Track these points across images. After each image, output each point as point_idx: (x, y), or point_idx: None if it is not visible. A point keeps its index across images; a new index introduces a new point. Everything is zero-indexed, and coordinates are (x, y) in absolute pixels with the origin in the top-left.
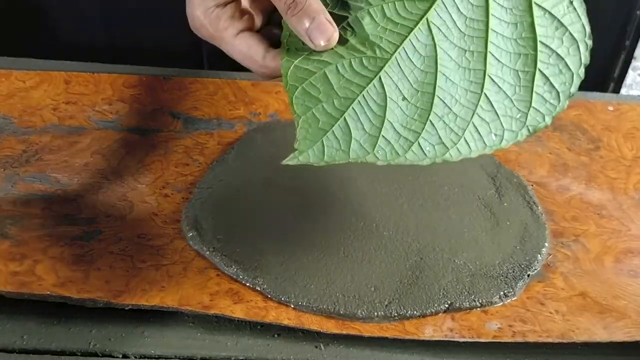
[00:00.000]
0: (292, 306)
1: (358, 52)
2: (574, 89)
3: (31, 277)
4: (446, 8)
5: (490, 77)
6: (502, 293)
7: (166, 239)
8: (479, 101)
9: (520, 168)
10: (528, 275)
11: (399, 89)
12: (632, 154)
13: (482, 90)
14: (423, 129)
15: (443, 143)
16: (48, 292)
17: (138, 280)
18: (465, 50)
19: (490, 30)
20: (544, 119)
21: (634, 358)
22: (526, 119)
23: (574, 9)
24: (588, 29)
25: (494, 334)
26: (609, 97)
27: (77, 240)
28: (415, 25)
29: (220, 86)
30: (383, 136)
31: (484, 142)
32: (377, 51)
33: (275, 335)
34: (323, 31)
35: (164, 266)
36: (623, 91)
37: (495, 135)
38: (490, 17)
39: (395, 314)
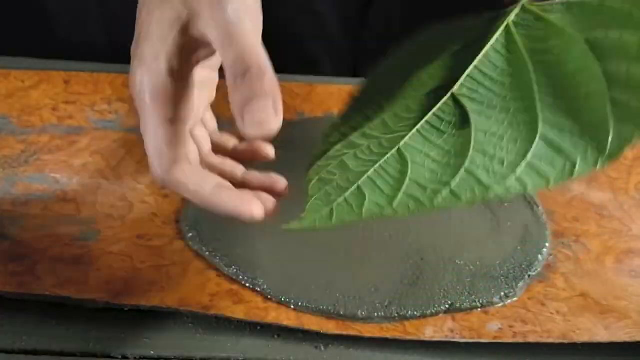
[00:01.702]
0: (292, 307)
1: (374, 138)
2: None
3: (30, 277)
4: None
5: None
6: (502, 293)
7: (166, 239)
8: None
9: None
10: (529, 276)
11: (423, 153)
12: (633, 154)
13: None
14: (455, 176)
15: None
16: (47, 293)
17: (137, 281)
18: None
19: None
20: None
21: (635, 359)
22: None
23: None
24: None
25: (494, 334)
26: None
27: (77, 240)
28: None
29: (220, 85)
30: (405, 193)
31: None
32: (395, 129)
33: (275, 336)
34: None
35: (164, 267)
36: None
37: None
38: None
39: (396, 315)
